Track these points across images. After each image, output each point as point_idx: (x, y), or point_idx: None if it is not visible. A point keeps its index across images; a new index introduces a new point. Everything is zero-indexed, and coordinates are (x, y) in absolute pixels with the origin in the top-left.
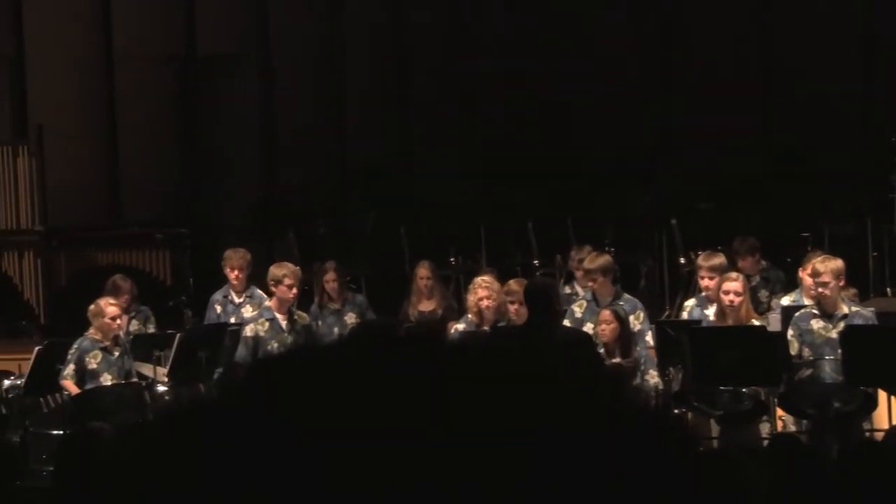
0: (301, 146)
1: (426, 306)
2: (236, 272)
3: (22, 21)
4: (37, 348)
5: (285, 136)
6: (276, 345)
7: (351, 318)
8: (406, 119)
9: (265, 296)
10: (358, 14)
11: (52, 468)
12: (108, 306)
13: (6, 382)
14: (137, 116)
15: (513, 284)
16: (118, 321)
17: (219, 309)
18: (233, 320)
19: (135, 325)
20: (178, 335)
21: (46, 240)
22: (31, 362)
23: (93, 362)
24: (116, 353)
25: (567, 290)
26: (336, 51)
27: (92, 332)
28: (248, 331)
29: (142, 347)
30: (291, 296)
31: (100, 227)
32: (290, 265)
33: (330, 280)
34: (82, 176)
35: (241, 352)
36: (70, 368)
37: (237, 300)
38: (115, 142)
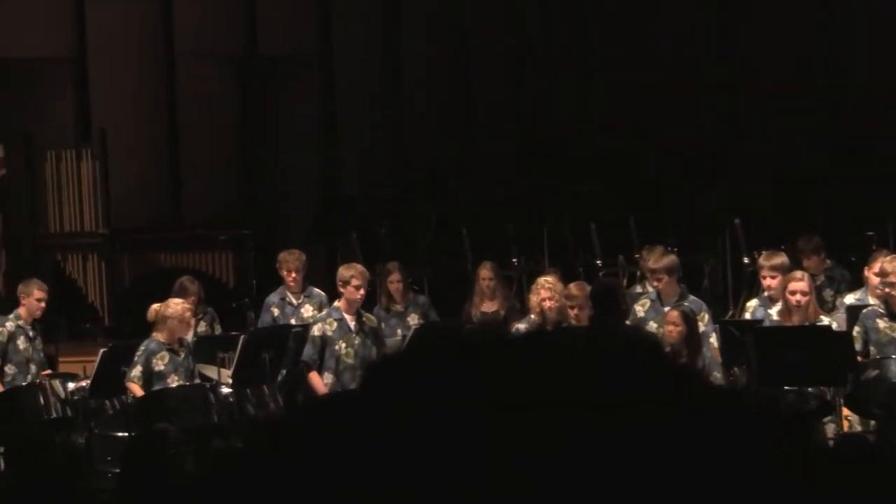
0: (362, 148)
1: (488, 307)
2: (293, 274)
3: (84, 24)
4: (101, 350)
5: (346, 137)
6: (343, 345)
7: (414, 320)
8: (466, 120)
9: (323, 294)
10: (417, 17)
11: (117, 469)
12: (177, 307)
13: (71, 385)
14: (199, 118)
15: (573, 289)
16: (186, 323)
17: (275, 311)
18: (293, 321)
19: (202, 327)
20: (243, 337)
21: (110, 242)
22: (95, 364)
23: (160, 364)
24: (182, 355)
25: (639, 289)
26: (396, 53)
27: (158, 335)
28: (317, 330)
29: (205, 349)
30: (359, 296)
31: (163, 230)
32: (359, 266)
33: (394, 281)
34: (145, 178)
35: (309, 351)
36: (137, 370)
37: (295, 301)
38: (178, 144)
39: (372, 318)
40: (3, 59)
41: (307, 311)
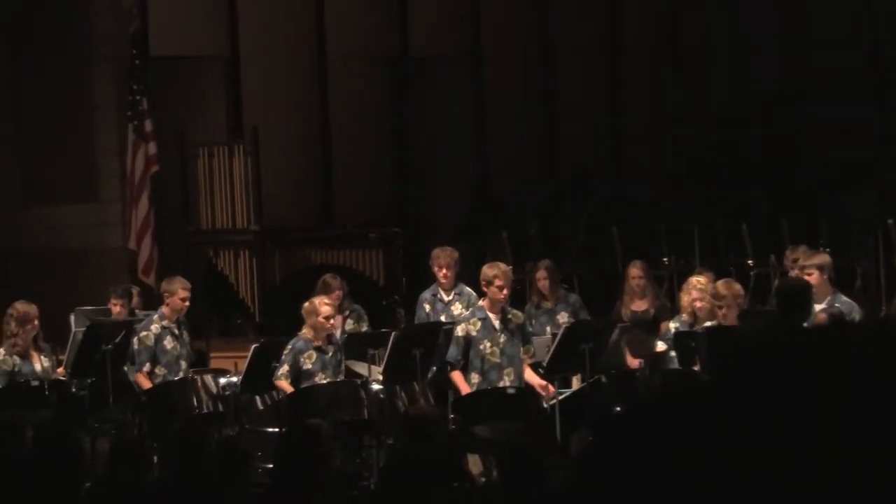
0: (512, 147)
1: (638, 306)
2: (444, 270)
3: (237, 23)
4: (253, 346)
5: (496, 136)
6: (488, 344)
7: (564, 318)
8: (617, 120)
9: (473, 293)
10: (567, 18)
11: (268, 465)
12: (323, 305)
13: (223, 380)
14: (351, 116)
15: (721, 288)
16: (332, 320)
17: (427, 308)
18: (443, 318)
19: (350, 325)
20: (393, 334)
21: (261, 239)
22: (247, 360)
23: (307, 362)
24: (330, 353)
25: None
26: (546, 53)
27: (305, 332)
28: (460, 330)
29: (356, 346)
30: (502, 296)
31: (313, 227)
32: (502, 265)
33: (541, 278)
34: (297, 176)
35: (452, 352)
36: (285, 369)
37: (446, 298)
38: (329, 142)
39: (518, 314)
40: (157, 58)
41: (457, 308)
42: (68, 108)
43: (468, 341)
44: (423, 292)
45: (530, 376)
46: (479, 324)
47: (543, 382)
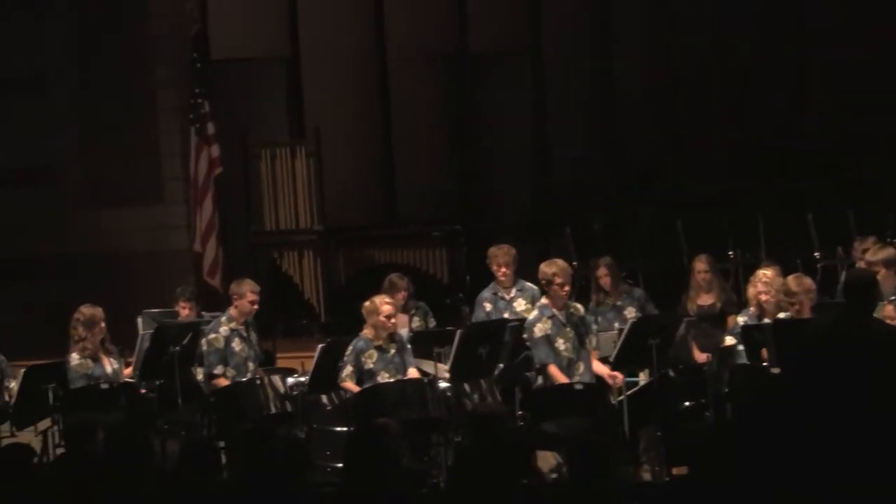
0: (575, 143)
1: (705, 300)
2: (503, 269)
3: (297, 23)
4: (319, 346)
5: (558, 133)
6: (561, 341)
7: (631, 313)
8: (680, 115)
9: (535, 288)
10: (627, 13)
11: (336, 464)
12: (383, 304)
13: (290, 380)
14: (412, 115)
15: (792, 284)
16: (392, 320)
17: (488, 307)
18: (506, 315)
19: (416, 323)
20: (459, 332)
21: (325, 239)
22: (314, 360)
23: (369, 362)
24: (392, 351)
25: None
26: (606, 48)
27: (366, 332)
28: (538, 331)
29: (422, 344)
30: (564, 292)
31: (377, 226)
32: (559, 262)
33: (602, 275)
34: (359, 175)
35: (543, 352)
36: (349, 369)
37: (508, 296)
38: (391, 140)
39: (578, 306)
40: (219, 60)
41: (520, 304)
42: (132, 112)
43: (549, 339)
44: (481, 292)
45: (598, 367)
46: (549, 322)
47: (612, 372)
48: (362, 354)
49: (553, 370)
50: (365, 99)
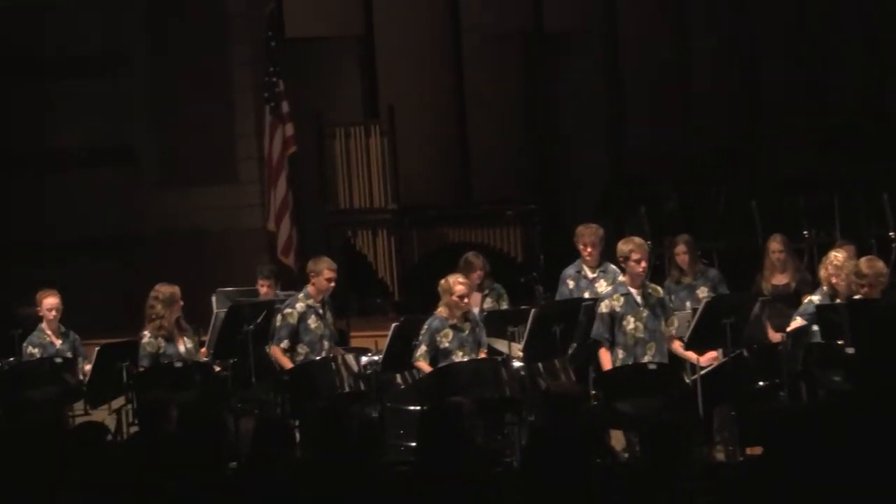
0: (648, 122)
1: (779, 280)
2: (589, 248)
3: (371, 2)
4: (393, 325)
5: (633, 111)
6: (632, 319)
7: (703, 292)
8: (755, 95)
9: (618, 270)
10: None
11: (409, 443)
12: (457, 284)
13: (364, 359)
14: (486, 93)
15: (863, 267)
16: (466, 299)
17: (571, 284)
18: (587, 295)
19: (488, 303)
20: (533, 311)
21: (399, 218)
22: (387, 339)
23: (444, 341)
24: (467, 330)
25: None
26: (682, 27)
27: (441, 311)
28: (604, 307)
29: (496, 323)
30: (641, 269)
31: (451, 205)
32: (637, 239)
33: (680, 253)
34: (433, 154)
35: (599, 329)
36: (423, 349)
37: (591, 275)
38: (465, 119)
39: (658, 288)
40: (292, 39)
41: (601, 285)
42: (206, 91)
43: (613, 318)
44: (566, 268)
45: (680, 350)
46: (622, 300)
47: (696, 356)
48: (437, 334)
49: (602, 353)
50: (439, 77)
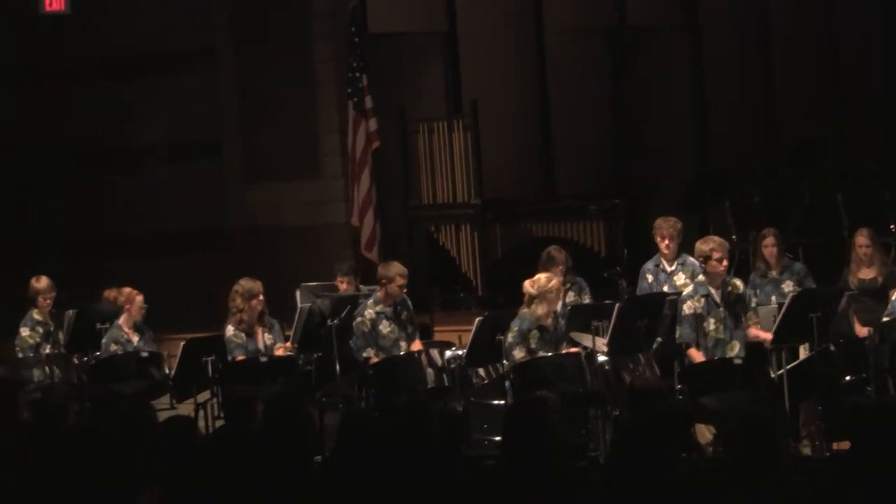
0: (733, 116)
1: (866, 274)
2: (667, 241)
3: None
4: (477, 319)
5: (716, 105)
6: (712, 321)
7: (789, 286)
8: (838, 88)
9: (697, 262)
10: None
11: (493, 437)
12: (551, 281)
13: (448, 353)
14: (569, 88)
15: None
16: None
17: (650, 278)
18: (666, 288)
19: (571, 296)
20: (617, 305)
21: (482, 213)
22: (471, 334)
23: (532, 341)
24: (552, 328)
25: None
26: (764, 22)
27: (526, 310)
28: (687, 308)
29: (579, 318)
30: (722, 269)
31: (534, 200)
32: (717, 238)
33: (769, 245)
34: (516, 149)
35: (686, 331)
36: (519, 349)
37: (669, 268)
38: (548, 114)
39: (738, 283)
40: (377, 34)
41: (680, 278)
42: (291, 87)
43: (696, 319)
44: (645, 263)
45: (758, 333)
46: (702, 301)
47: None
48: (528, 333)
49: (692, 353)
50: (522, 72)
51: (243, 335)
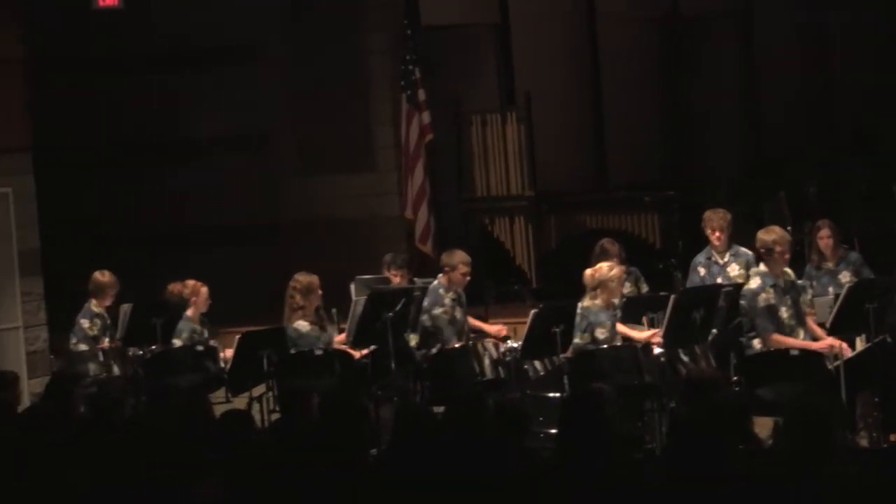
0: (787, 105)
1: None
2: (717, 233)
3: None
4: (532, 312)
5: (771, 95)
6: (783, 309)
7: (846, 277)
8: (894, 74)
9: (750, 253)
10: None
11: (549, 430)
12: (613, 269)
13: (503, 346)
14: (622, 79)
15: None
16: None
17: (702, 271)
18: (719, 280)
19: (627, 287)
20: (673, 297)
21: (536, 205)
22: (526, 326)
23: (601, 332)
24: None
25: None
26: (815, 10)
27: (600, 302)
28: (762, 301)
29: (634, 309)
30: (784, 260)
31: (588, 191)
32: (779, 229)
33: (825, 237)
34: (570, 141)
35: (764, 322)
36: (585, 337)
37: (721, 260)
38: (601, 105)
39: (788, 271)
40: (429, 26)
41: (733, 269)
42: (343, 80)
43: (771, 309)
44: (696, 256)
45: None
46: (772, 291)
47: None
48: (596, 324)
49: (779, 338)
50: (575, 64)
51: (318, 328)
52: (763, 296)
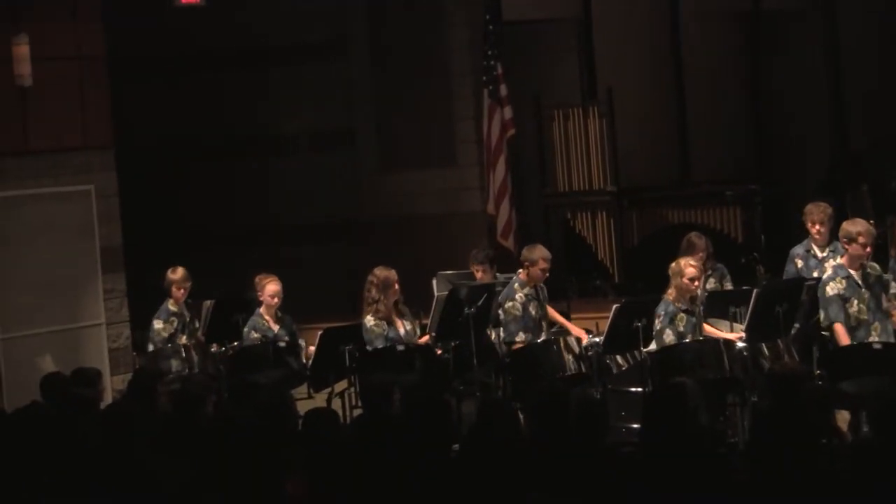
0: (870, 100)
1: None
2: (818, 226)
3: None
4: (614, 306)
5: (853, 89)
6: (855, 302)
7: None
8: None
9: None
10: None
11: (632, 425)
12: (688, 267)
13: (585, 341)
14: (705, 74)
15: None
16: (696, 282)
17: (799, 263)
18: (815, 274)
19: (711, 283)
20: (756, 291)
21: (618, 200)
22: (608, 321)
23: (680, 325)
24: (695, 314)
25: None
26: None
27: (670, 294)
28: (831, 290)
29: (717, 304)
30: (865, 253)
31: (670, 186)
32: (864, 222)
33: None
34: (652, 136)
35: (835, 311)
36: (668, 333)
37: (820, 254)
38: (684, 100)
39: (875, 265)
40: (511, 21)
41: (831, 264)
42: (425, 75)
43: (841, 299)
44: (794, 247)
45: None
46: (844, 282)
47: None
48: (675, 318)
49: (839, 329)
50: (657, 58)
51: (385, 324)
52: (833, 284)
